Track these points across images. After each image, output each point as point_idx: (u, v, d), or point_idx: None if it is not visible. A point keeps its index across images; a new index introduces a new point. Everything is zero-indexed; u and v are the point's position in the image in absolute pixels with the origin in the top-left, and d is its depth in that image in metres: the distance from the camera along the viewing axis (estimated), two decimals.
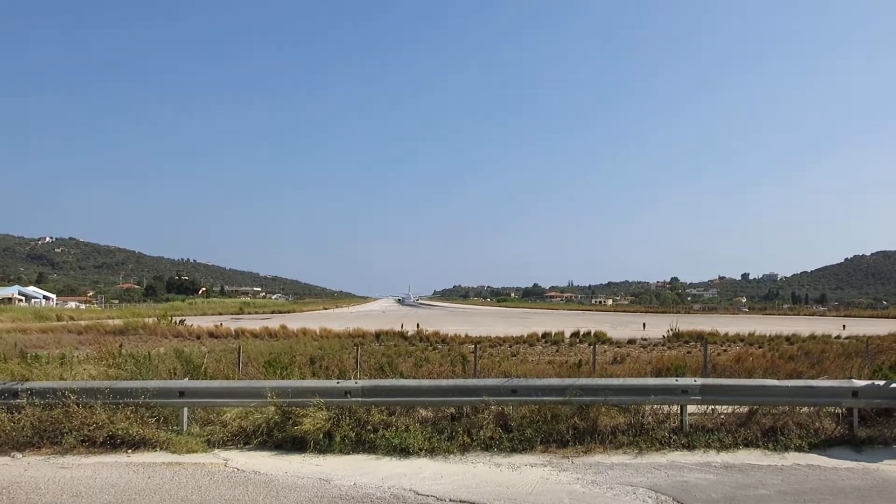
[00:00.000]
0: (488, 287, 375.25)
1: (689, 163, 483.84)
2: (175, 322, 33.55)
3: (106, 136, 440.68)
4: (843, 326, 38.68)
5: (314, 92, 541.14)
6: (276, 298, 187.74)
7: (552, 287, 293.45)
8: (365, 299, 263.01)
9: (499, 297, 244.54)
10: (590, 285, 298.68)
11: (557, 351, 23.29)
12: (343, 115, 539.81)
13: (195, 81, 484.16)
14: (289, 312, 74.65)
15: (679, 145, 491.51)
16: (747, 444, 8.84)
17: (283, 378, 11.26)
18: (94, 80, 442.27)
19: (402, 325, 28.15)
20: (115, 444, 9.00)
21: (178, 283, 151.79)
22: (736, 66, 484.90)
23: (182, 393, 9.72)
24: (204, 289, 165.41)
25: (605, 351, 22.35)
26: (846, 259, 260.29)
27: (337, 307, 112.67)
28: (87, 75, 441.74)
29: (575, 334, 28.01)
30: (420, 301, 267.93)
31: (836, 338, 25.97)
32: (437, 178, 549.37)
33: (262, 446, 8.98)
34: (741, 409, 9.62)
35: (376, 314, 67.86)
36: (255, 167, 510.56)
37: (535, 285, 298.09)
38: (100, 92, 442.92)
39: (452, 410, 9.75)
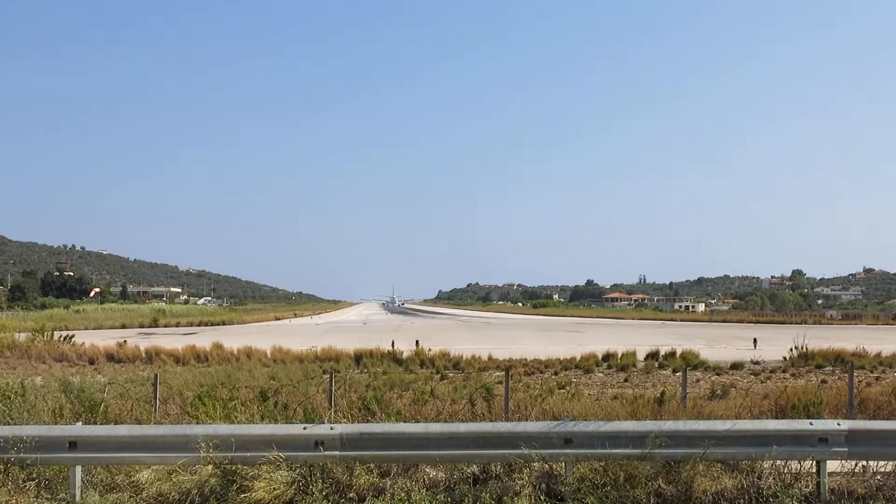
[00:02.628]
0: (519, 286, 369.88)
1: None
2: (58, 339, 33.67)
3: None
4: None
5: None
6: (203, 303, 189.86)
7: (615, 286, 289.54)
8: (336, 305, 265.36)
9: (536, 300, 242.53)
10: (671, 283, 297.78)
11: (627, 380, 23.31)
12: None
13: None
14: (224, 324, 75.61)
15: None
16: None
17: (223, 422, 11.32)
18: None
19: (392, 344, 28.30)
20: None
21: (58, 280, 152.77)
22: None
23: (73, 444, 9.79)
24: (98, 289, 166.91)
25: (699, 380, 22.31)
26: None
27: (295, 315, 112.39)
28: None
29: (652, 355, 28.01)
30: (412, 306, 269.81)
31: None
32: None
33: None
34: None
35: (354, 326, 69.21)
36: (170, 117, 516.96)
37: (589, 283, 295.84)
38: None
39: (475, 469, 9.78)
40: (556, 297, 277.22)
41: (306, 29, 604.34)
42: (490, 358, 27.04)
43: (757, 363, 26.92)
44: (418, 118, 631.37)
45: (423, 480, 9.66)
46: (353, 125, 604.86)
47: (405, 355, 27.46)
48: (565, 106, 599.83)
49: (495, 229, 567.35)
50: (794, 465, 9.67)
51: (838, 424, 9.66)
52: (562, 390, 16.60)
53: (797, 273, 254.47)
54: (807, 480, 9.49)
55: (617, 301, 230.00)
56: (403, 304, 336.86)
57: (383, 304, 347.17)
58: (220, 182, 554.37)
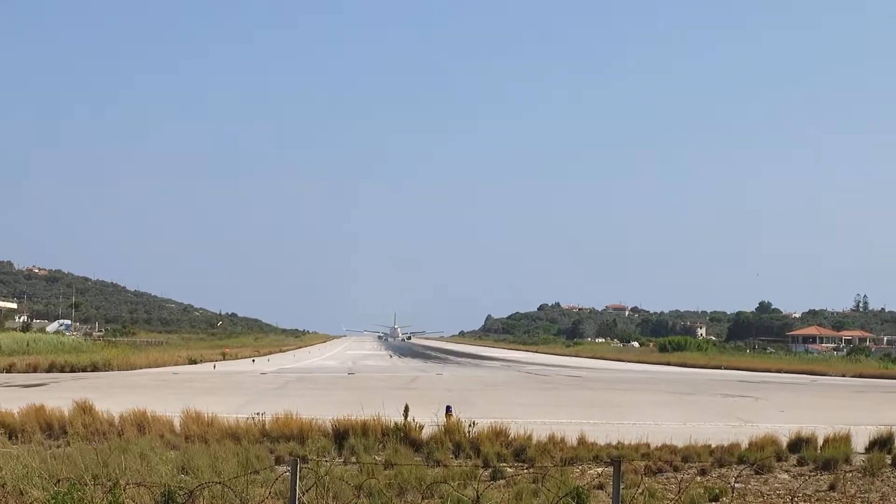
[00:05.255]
0: (635, 312, 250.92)
1: None
2: None
3: None
4: None
5: None
6: (58, 332, 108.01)
7: (811, 315, 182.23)
8: (300, 338, 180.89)
9: (665, 337, 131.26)
10: None
11: (833, 488, 14.05)
12: None
13: None
14: (96, 370, 48.71)
15: None
16: None
17: None
18: None
19: (404, 411, 18.22)
20: None
21: None
22: None
23: None
24: None
25: None
26: None
27: (225, 356, 74.69)
28: None
29: (881, 442, 17.34)
30: (430, 342, 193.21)
31: None
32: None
33: None
34: None
35: (333, 377, 45.66)
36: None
37: (763, 309, 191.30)
38: None
39: None
40: (701, 331, 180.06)
41: None
42: (583, 441, 17.10)
43: None
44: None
45: None
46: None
47: (426, 433, 17.51)
48: None
49: (589, 219, 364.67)
50: None
51: None
52: None
53: None
54: None
55: (814, 341, 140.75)
56: (409, 337, 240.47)
57: (380, 336, 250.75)
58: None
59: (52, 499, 10.71)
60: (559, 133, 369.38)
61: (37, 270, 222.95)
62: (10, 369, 46.56)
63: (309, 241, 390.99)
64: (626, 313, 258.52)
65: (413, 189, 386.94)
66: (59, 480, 11.82)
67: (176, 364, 59.88)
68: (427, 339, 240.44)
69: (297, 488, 9.98)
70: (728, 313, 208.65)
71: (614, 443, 16.93)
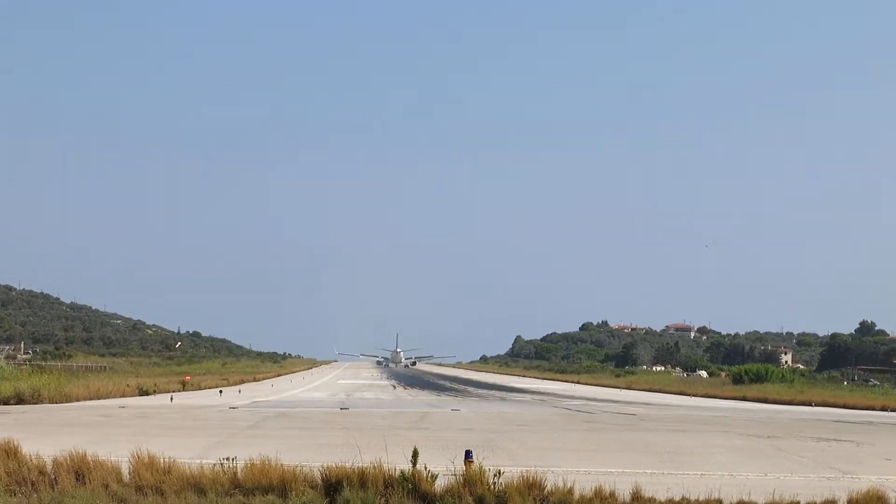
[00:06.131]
0: (703, 333, 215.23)
1: None
2: None
3: None
4: None
5: None
6: None
7: None
8: (279, 363, 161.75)
9: (740, 365, 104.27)
10: None
11: None
12: None
13: None
14: (21, 402, 41.80)
15: None
16: None
17: None
18: None
19: (413, 458, 15.18)
20: None
21: None
22: None
23: None
24: None
25: None
26: None
27: (184, 386, 61.96)
28: None
29: None
30: (441, 370, 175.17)
31: None
32: None
33: None
34: None
35: (321, 413, 38.71)
36: None
37: (865, 330, 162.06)
38: None
39: None
40: (786, 358, 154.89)
41: None
42: (638, 496, 13.96)
43: None
44: None
45: None
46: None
47: (440, 484, 14.51)
48: None
49: (643, 220, 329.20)
50: None
51: None
52: None
53: None
54: None
55: None
56: (414, 363, 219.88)
57: (380, 361, 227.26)
58: None
59: None
60: (616, 133, 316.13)
61: None
62: None
63: (290, 244, 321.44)
64: (692, 335, 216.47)
65: (420, 179, 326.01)
66: None
67: (123, 395, 51.37)
68: (438, 365, 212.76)
69: None
70: (820, 335, 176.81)
71: (677, 498, 13.80)
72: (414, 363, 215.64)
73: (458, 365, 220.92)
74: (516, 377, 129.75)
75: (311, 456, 17.13)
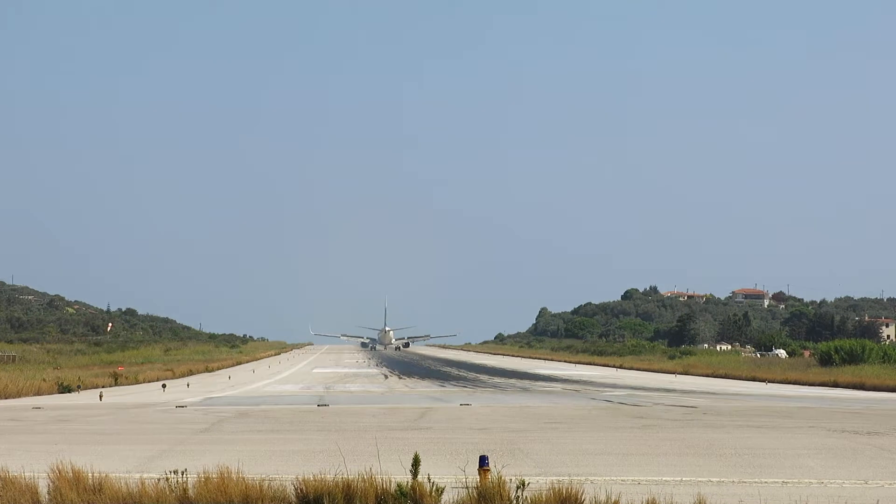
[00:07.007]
0: (782, 298, 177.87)
1: None
2: None
3: None
4: None
5: None
6: None
7: None
8: (238, 347, 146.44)
9: (830, 342, 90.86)
10: None
11: None
12: None
13: None
14: None
15: None
16: None
17: None
18: None
19: (413, 467, 13.26)
20: None
21: None
22: None
23: None
24: None
25: None
26: None
27: (116, 381, 56.82)
28: None
29: None
30: (439, 354, 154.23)
31: None
32: None
33: None
34: None
35: (292, 411, 35.18)
36: None
37: None
38: None
39: None
40: (888, 332, 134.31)
41: None
42: None
43: None
44: None
45: None
46: None
47: (448, 499, 13.49)
48: None
49: (699, 167, 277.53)
50: None
51: None
52: None
53: None
54: None
55: None
56: (407, 344, 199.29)
57: (365, 343, 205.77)
58: None
59: None
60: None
61: None
62: None
63: (255, 201, 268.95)
64: (766, 303, 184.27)
65: (422, 118, 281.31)
66: None
67: (38, 393, 44.85)
68: (440, 347, 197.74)
69: None
70: None
71: None
72: (407, 345, 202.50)
73: (467, 346, 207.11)
74: (542, 361, 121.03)
75: (281, 466, 16.18)
